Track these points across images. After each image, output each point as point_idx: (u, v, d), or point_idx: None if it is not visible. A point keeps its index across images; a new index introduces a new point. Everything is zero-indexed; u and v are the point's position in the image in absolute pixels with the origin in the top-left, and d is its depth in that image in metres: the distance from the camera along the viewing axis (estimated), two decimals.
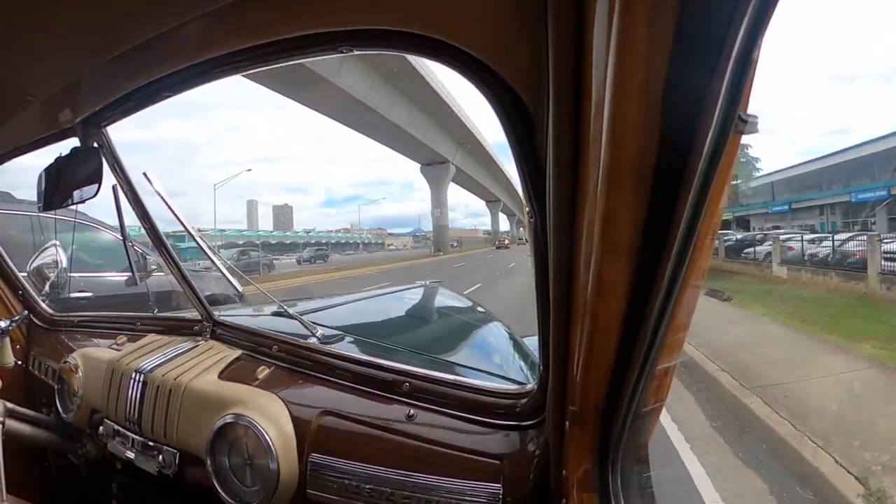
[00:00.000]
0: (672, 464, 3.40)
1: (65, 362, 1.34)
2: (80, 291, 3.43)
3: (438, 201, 48.63)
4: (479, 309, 2.27)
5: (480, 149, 49.81)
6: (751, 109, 0.39)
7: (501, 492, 0.84)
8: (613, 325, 0.53)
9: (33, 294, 1.67)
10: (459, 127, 40.68)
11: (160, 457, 1.09)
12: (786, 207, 32.54)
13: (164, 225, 1.39)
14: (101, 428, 1.22)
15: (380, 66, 26.02)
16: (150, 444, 1.12)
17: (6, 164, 1.43)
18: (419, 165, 47.99)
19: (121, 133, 1.19)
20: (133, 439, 1.15)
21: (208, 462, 0.99)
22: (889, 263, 10.67)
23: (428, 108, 33.81)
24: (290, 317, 1.34)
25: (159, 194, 1.34)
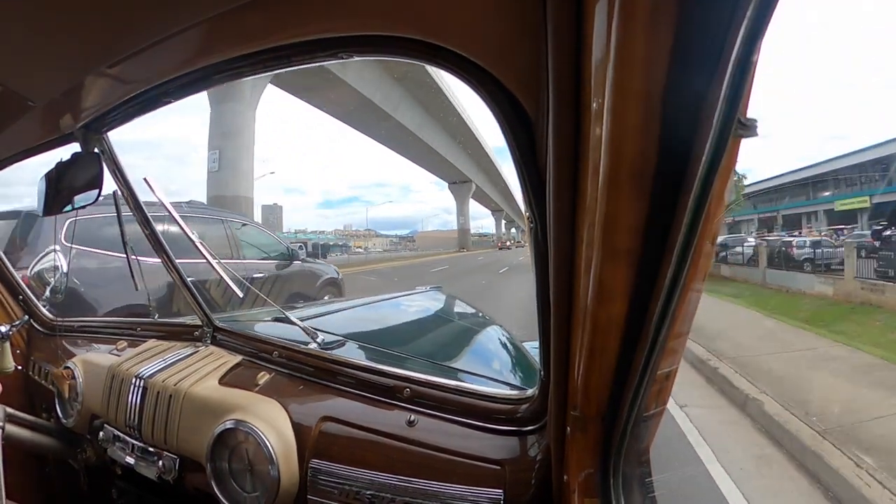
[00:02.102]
0: None
1: (65, 367, 1.34)
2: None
3: (221, 127, 19.06)
4: (480, 314, 2.27)
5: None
6: (750, 113, 0.39)
7: (503, 497, 0.83)
8: (614, 330, 0.53)
9: (34, 299, 1.68)
10: None
11: (160, 462, 1.09)
12: None
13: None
14: (101, 433, 1.22)
15: None
16: (151, 449, 1.11)
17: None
18: None
19: (119, 132, 1.17)
20: (133, 445, 1.14)
21: (208, 468, 0.99)
22: None
23: None
24: (291, 322, 1.34)
25: (160, 200, 1.35)
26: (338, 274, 6.87)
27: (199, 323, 1.36)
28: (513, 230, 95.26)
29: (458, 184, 54.29)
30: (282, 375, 1.14)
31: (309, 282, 6.05)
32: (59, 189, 1.20)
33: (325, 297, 5.91)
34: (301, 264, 6.00)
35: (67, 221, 3.68)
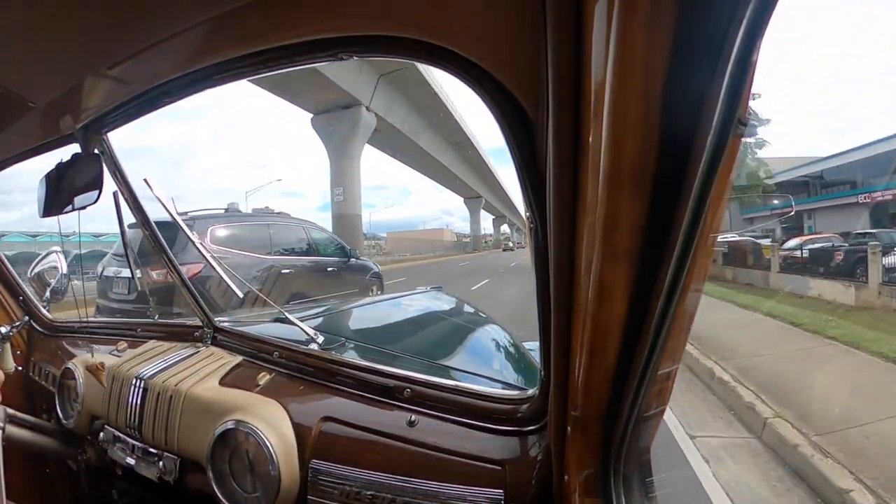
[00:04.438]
0: None
1: (65, 368, 1.34)
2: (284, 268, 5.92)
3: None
4: (481, 314, 2.27)
5: None
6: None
7: (503, 497, 0.83)
8: (614, 330, 0.53)
9: (34, 300, 1.68)
10: None
11: (161, 463, 1.09)
12: None
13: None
14: (101, 434, 1.22)
15: None
16: (151, 450, 1.11)
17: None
18: None
19: (116, 139, 1.18)
20: (133, 445, 1.14)
21: (209, 468, 0.99)
22: None
23: None
24: (291, 323, 1.34)
25: (160, 201, 1.35)
26: (379, 268, 8.49)
27: (200, 323, 1.36)
28: (504, 227, 78.05)
29: (338, 112, 22.96)
30: (282, 376, 1.14)
31: (362, 274, 7.73)
32: (60, 190, 1.20)
33: (372, 289, 7.54)
34: (356, 260, 7.64)
35: (210, 228, 5.29)
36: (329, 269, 6.72)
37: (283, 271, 5.74)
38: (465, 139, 33.43)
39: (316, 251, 6.75)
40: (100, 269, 5.43)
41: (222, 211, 6.15)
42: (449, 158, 34.99)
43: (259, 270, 5.48)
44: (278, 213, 7.09)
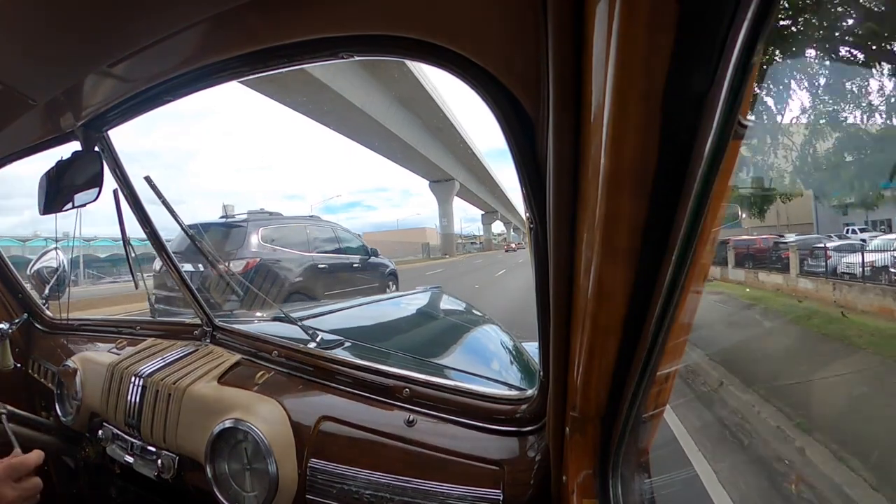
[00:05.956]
0: None
1: (64, 366, 1.34)
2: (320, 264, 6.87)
3: None
4: (480, 314, 2.27)
5: None
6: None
7: (502, 498, 0.83)
8: (614, 330, 0.53)
9: (34, 297, 1.68)
10: None
11: (159, 461, 1.09)
12: None
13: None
14: (100, 432, 1.22)
15: None
16: (150, 448, 1.11)
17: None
18: None
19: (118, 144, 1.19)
20: (132, 443, 1.14)
21: (207, 467, 0.99)
22: None
23: None
24: (291, 322, 1.34)
25: (161, 199, 1.35)
26: (395, 266, 9.31)
27: (199, 322, 1.36)
28: (498, 225, 60.62)
29: None
30: (281, 375, 1.14)
31: (381, 270, 8.46)
32: (60, 187, 1.20)
33: (389, 284, 8.25)
34: (376, 258, 8.37)
35: (261, 229, 6.21)
36: (354, 265, 7.66)
37: (320, 266, 6.78)
38: (406, 75, 19.95)
39: (343, 249, 7.71)
40: (157, 265, 5.85)
41: (268, 214, 7.22)
42: (384, 110, 22.09)
43: (304, 266, 6.54)
44: (311, 216, 8.09)
